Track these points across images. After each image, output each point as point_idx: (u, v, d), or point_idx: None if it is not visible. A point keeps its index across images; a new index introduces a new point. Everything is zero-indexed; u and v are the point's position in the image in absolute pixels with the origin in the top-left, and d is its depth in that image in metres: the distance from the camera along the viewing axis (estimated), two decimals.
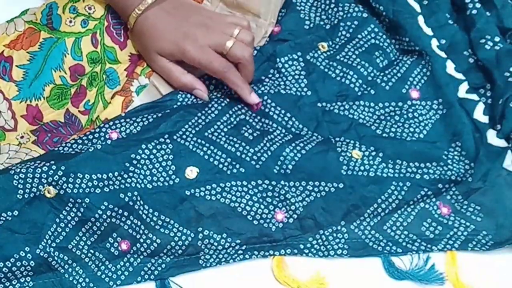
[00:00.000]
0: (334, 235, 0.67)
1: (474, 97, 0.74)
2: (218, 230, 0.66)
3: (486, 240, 0.67)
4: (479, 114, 0.73)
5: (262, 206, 0.67)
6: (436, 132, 0.73)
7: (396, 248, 0.67)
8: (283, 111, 0.73)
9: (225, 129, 0.72)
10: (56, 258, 0.64)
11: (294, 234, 0.67)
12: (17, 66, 0.69)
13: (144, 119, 0.71)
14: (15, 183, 0.65)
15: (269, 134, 0.71)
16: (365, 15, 0.79)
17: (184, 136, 0.70)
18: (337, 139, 0.71)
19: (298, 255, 0.66)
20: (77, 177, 0.66)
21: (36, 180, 0.65)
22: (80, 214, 0.65)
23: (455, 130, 0.73)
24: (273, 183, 0.68)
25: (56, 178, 0.65)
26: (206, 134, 0.71)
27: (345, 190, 0.68)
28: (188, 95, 0.74)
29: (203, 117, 0.72)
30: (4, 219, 0.64)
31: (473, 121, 0.73)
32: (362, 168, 0.69)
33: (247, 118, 0.73)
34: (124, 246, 0.65)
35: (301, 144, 0.70)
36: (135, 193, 0.67)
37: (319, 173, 0.69)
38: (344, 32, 0.78)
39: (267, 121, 0.73)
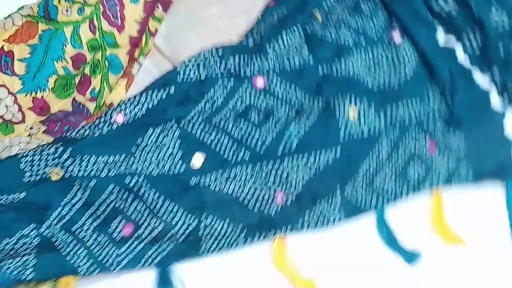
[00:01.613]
0: (329, 205, 0.69)
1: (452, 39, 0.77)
2: (220, 218, 0.67)
3: (466, 171, 0.71)
4: (460, 53, 0.76)
5: (263, 191, 0.69)
6: (418, 72, 0.76)
7: (388, 199, 0.70)
8: (288, 84, 0.74)
9: (232, 116, 0.73)
10: (60, 239, 0.64)
11: (291, 213, 0.68)
12: (18, 60, 0.69)
13: (148, 100, 0.71)
14: (22, 166, 0.66)
15: (273, 115, 0.73)
16: None
17: (191, 123, 0.71)
18: (335, 98, 0.73)
19: (296, 232, 0.68)
20: (83, 160, 0.67)
21: (43, 162, 0.66)
22: (85, 197, 0.66)
23: (436, 69, 0.75)
24: (276, 165, 0.70)
25: (62, 160, 0.66)
26: (213, 122, 0.72)
27: (341, 159, 0.71)
28: (189, 69, 0.73)
29: (210, 103, 0.72)
30: (10, 200, 0.65)
31: (453, 60, 0.76)
32: (357, 129, 0.72)
33: (253, 100, 0.73)
34: (126, 231, 0.66)
35: (304, 118, 0.72)
36: (141, 178, 0.67)
37: (319, 143, 0.71)
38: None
39: (272, 100, 0.74)
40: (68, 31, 0.70)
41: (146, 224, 0.66)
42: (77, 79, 0.71)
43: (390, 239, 0.69)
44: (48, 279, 0.62)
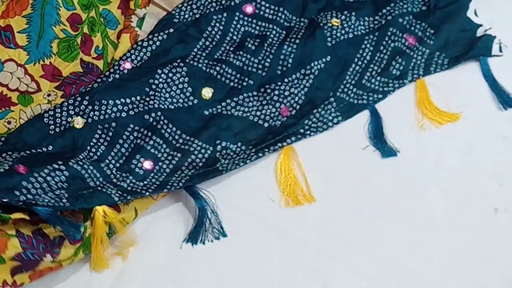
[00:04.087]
0: (325, 108, 0.74)
1: None
2: (234, 140, 0.71)
3: (442, 60, 0.78)
4: None
5: (270, 107, 0.73)
6: None
7: (377, 96, 0.76)
8: (275, 8, 0.79)
9: (232, 48, 0.77)
10: (89, 172, 0.65)
11: (291, 123, 0.73)
12: (18, 32, 0.68)
13: (151, 43, 0.74)
14: (46, 120, 0.68)
15: (267, 39, 0.77)
16: None
17: (196, 59, 0.74)
18: (318, 16, 0.79)
19: (301, 139, 0.72)
20: (102, 104, 0.69)
21: (65, 114, 0.68)
22: (109, 139, 0.68)
23: None
24: (279, 83, 0.75)
25: (82, 108, 0.69)
26: (216, 56, 0.76)
27: (332, 61, 0.76)
28: (183, 11, 0.77)
29: (209, 39, 0.76)
30: (40, 152, 0.66)
31: None
32: (342, 32, 0.77)
33: (247, 29, 0.78)
34: (147, 166, 0.68)
35: (294, 36, 0.77)
36: (159, 113, 0.70)
37: (311, 54, 0.76)
38: None
39: (263, 24, 0.79)
40: None
41: (164, 156, 0.69)
42: (78, 40, 0.71)
43: (376, 134, 0.73)
44: (83, 208, 0.62)
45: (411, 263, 0.64)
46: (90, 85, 0.71)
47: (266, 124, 0.73)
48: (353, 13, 0.79)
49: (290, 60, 0.76)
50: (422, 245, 0.65)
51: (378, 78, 0.77)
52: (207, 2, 0.78)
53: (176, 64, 0.73)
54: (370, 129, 0.73)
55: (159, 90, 0.71)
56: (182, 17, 0.76)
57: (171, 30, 0.75)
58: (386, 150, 0.71)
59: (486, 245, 0.65)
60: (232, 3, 0.78)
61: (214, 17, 0.77)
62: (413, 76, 0.77)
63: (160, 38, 0.74)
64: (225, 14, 0.78)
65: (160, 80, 0.72)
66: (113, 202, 0.63)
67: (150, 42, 0.74)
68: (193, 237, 0.65)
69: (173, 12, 0.76)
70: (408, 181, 0.70)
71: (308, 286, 0.63)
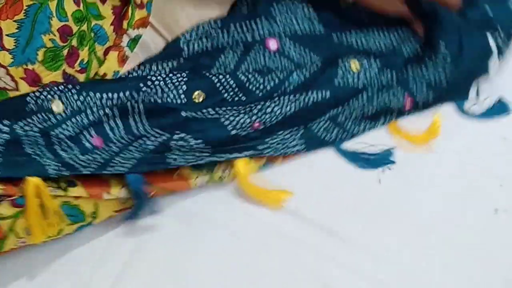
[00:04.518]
0: (292, 133, 0.74)
1: None
2: (196, 136, 0.70)
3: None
4: None
5: (246, 117, 0.72)
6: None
7: (346, 135, 0.76)
8: (301, 47, 0.78)
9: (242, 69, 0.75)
10: (31, 138, 0.65)
11: (253, 137, 0.72)
12: (7, 35, 0.70)
13: (160, 68, 0.74)
14: (28, 99, 0.68)
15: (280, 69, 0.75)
16: None
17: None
18: (342, 57, 0.77)
19: (257, 155, 0.73)
20: (88, 96, 0.69)
21: (46, 94, 0.68)
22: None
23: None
24: (267, 103, 0.73)
25: (68, 94, 0.68)
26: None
27: (329, 100, 0.75)
28: (192, 44, 0.76)
29: (222, 69, 0.75)
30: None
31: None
32: (355, 79, 0.75)
33: (267, 61, 0.75)
34: (97, 142, 0.68)
35: (308, 69, 0.75)
36: (141, 105, 0.68)
37: (312, 83, 0.74)
38: None
39: (286, 60, 0.77)
40: (53, 4, 0.72)
41: (118, 139, 0.68)
42: (65, 51, 0.73)
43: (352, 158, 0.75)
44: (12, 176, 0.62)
45: (411, 263, 0.66)
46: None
47: (233, 132, 0.72)
48: (378, 61, 0.77)
49: (291, 87, 0.74)
50: (422, 245, 0.67)
51: (356, 121, 0.77)
52: (217, 35, 0.77)
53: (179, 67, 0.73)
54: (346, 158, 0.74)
55: (154, 86, 0.70)
56: (191, 49, 0.76)
57: (182, 60, 0.75)
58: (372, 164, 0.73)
59: (486, 245, 0.67)
60: (250, 38, 0.77)
61: (228, 48, 0.76)
62: (386, 120, 0.78)
63: (170, 65, 0.74)
64: (241, 45, 0.76)
65: (158, 77, 0.71)
66: (46, 174, 0.63)
67: (159, 67, 0.74)
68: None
69: (181, 45, 0.76)
70: (408, 181, 0.71)
71: (308, 286, 0.65)
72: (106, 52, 0.75)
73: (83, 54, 0.74)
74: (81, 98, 0.69)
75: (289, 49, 0.77)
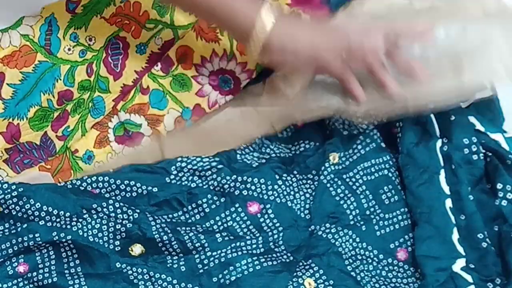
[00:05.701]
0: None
1: (469, 278, 0.65)
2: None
3: None
4: None
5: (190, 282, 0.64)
6: None
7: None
8: (278, 225, 0.69)
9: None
10: None
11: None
12: (7, 84, 0.67)
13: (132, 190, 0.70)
14: None
15: (242, 241, 0.66)
16: (383, 145, 0.74)
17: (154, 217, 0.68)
18: (304, 262, 0.65)
19: None
20: (28, 203, 0.66)
21: None
22: (7, 233, 0.66)
23: None
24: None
25: (7, 197, 0.65)
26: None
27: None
28: (184, 164, 0.71)
29: (186, 215, 0.69)
30: None
31: None
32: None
33: (237, 220, 0.69)
34: (21, 269, 0.66)
35: (263, 259, 0.65)
36: (70, 241, 0.65)
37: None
38: (359, 147, 0.73)
39: (254, 230, 0.69)
40: (64, 68, 0.70)
41: (43, 266, 0.66)
42: (55, 114, 0.71)
43: None
44: None
45: None
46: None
47: None
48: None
49: (233, 278, 0.64)
50: None
51: None
52: (208, 177, 0.70)
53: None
54: None
55: (89, 218, 0.66)
56: (178, 179, 0.70)
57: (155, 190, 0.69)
58: None
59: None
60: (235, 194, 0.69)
61: (208, 196, 0.69)
62: None
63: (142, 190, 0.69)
64: (221, 199, 0.70)
65: (103, 209, 0.67)
66: None
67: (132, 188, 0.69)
68: None
69: (172, 171, 0.70)
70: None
71: None
72: (92, 126, 0.74)
73: (72, 121, 0.72)
74: (20, 202, 0.66)
75: (266, 220, 0.68)
